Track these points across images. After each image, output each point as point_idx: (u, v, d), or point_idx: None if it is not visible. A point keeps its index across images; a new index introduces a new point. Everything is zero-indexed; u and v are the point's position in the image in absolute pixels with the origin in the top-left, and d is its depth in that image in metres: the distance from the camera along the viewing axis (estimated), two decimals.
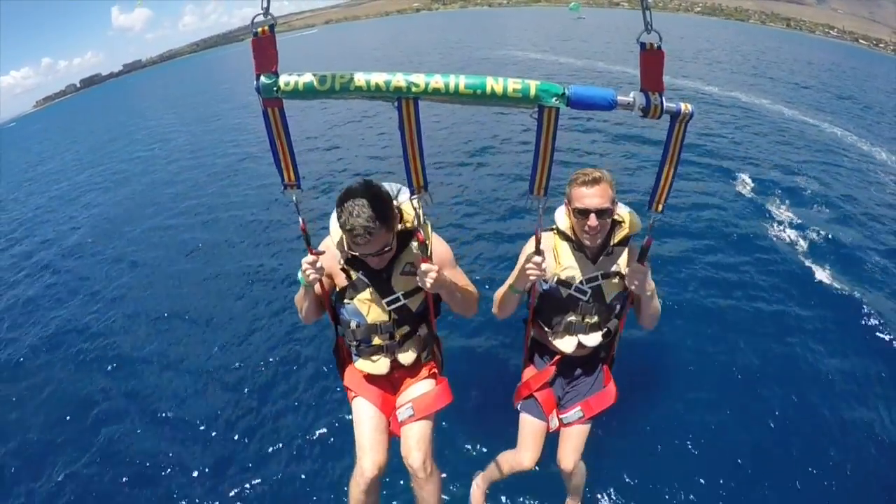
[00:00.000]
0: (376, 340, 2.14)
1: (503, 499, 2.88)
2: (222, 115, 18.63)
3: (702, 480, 2.96)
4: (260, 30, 1.45)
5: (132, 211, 9.25)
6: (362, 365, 2.20)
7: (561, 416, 2.42)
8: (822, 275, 5.00)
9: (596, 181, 2.01)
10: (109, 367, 4.59)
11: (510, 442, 2.53)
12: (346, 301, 2.10)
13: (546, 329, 2.33)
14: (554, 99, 1.48)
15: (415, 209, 1.82)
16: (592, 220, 2.02)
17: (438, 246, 2.11)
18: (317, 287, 2.03)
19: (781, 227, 6.04)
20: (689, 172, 7.63)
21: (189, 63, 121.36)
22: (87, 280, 6.53)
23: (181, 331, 4.97)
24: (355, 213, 1.73)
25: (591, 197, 2.00)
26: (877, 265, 5.27)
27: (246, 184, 9.47)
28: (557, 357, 2.40)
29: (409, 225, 2.02)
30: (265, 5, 1.44)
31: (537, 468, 2.42)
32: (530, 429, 2.41)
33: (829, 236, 5.81)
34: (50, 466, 3.58)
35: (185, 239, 7.26)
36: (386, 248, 1.87)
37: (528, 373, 2.51)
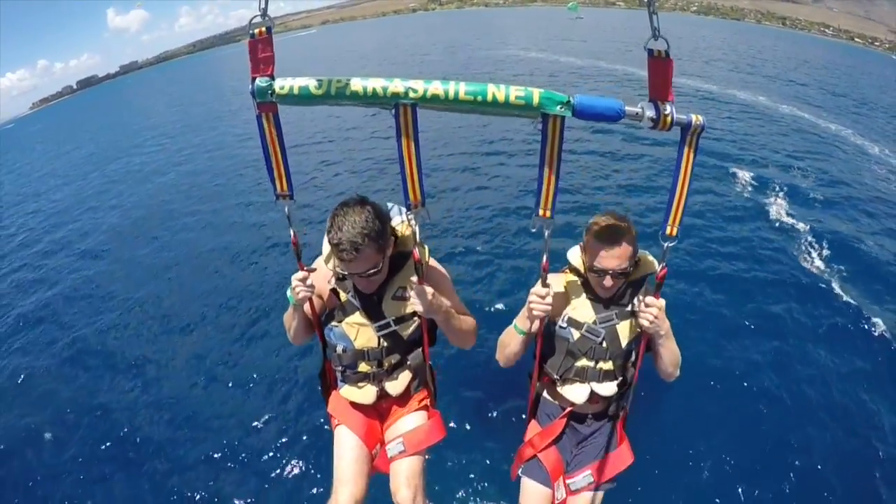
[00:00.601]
0: (363, 367, 2.03)
1: None
2: (237, 112, 18.76)
3: None
4: (257, 31, 1.43)
5: (158, 197, 9.62)
6: (347, 392, 2.09)
7: (568, 482, 2.14)
8: (819, 262, 5.29)
9: (616, 240, 1.82)
10: (151, 337, 4.93)
11: (503, 490, 2.35)
12: (334, 324, 2.00)
13: (555, 377, 2.09)
14: (559, 107, 1.41)
15: (411, 226, 1.69)
16: (608, 282, 1.88)
17: (435, 268, 2.01)
18: (306, 307, 1.95)
19: (778, 217, 6.35)
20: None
21: (186, 64, 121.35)
22: (125, 263, 6.88)
23: (214, 304, 5.27)
24: (344, 227, 1.66)
25: (609, 258, 1.84)
26: (869, 249, 5.59)
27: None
28: (567, 410, 2.17)
29: (404, 236, 1.93)
30: (262, 6, 1.40)
31: None
32: (533, 497, 2.12)
33: (823, 224, 6.13)
34: (100, 429, 3.87)
35: (214, 222, 7.65)
36: (373, 269, 1.77)
37: (532, 430, 2.22)
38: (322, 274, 1.96)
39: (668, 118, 1.43)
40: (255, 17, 1.40)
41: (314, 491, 3.05)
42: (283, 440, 3.44)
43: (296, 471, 3.22)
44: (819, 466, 3.10)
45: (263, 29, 1.43)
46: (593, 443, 2.18)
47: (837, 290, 4.75)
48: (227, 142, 13.55)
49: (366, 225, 1.67)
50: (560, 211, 1.56)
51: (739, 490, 2.95)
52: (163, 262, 6.57)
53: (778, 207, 6.55)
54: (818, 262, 5.23)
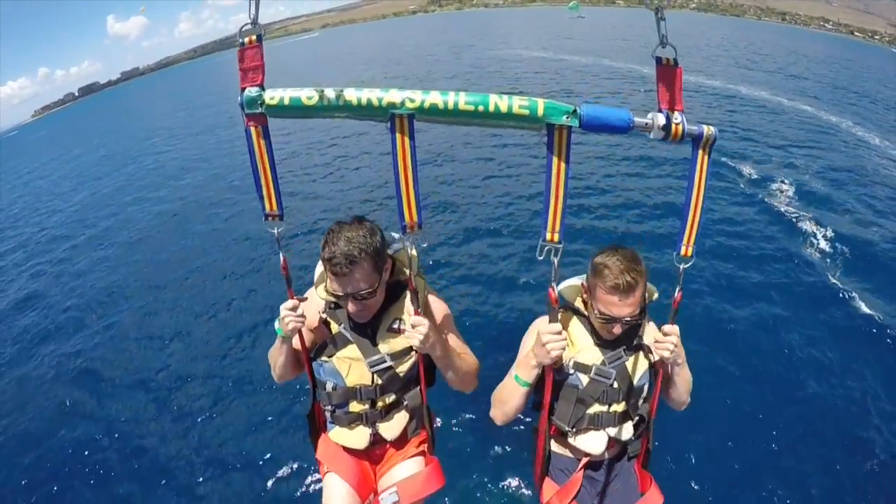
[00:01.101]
0: (355, 406, 1.86)
1: None
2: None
3: None
4: (247, 39, 1.38)
5: (177, 194, 9.93)
6: (338, 435, 1.92)
7: None
8: (824, 245, 5.52)
9: (630, 289, 1.66)
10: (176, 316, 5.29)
11: None
12: (324, 358, 1.84)
13: (567, 428, 1.91)
14: (565, 117, 1.36)
15: (406, 251, 1.57)
16: (617, 329, 1.76)
17: (434, 302, 1.90)
18: (295, 340, 1.80)
19: (781, 203, 6.60)
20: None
21: (187, 69, 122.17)
22: (150, 253, 7.20)
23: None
24: (340, 241, 1.57)
25: (622, 307, 1.69)
26: (871, 235, 5.82)
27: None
28: (584, 462, 1.99)
29: (402, 265, 1.80)
30: (253, 14, 1.37)
31: None
32: None
33: (825, 210, 6.39)
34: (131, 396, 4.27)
35: (235, 215, 7.95)
36: (367, 289, 1.63)
37: (549, 489, 2.01)
38: (313, 304, 1.82)
39: (679, 128, 1.39)
40: (245, 24, 1.37)
41: None
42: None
43: None
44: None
45: (254, 37, 1.38)
46: (615, 489, 2.01)
47: (841, 273, 4.98)
48: (243, 142, 13.80)
49: (363, 240, 1.59)
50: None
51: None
52: (188, 253, 6.89)
53: (781, 196, 6.81)
54: (823, 245, 5.47)
